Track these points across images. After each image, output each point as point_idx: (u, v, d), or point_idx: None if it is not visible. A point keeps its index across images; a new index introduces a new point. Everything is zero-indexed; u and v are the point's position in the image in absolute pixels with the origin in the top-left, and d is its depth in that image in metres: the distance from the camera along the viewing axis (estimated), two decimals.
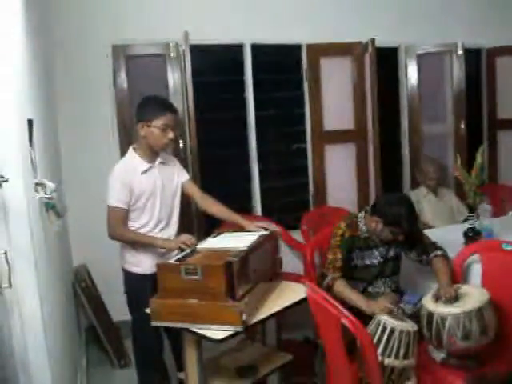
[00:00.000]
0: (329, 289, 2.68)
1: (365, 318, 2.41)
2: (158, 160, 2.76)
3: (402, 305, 2.71)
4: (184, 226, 3.81)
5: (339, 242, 2.76)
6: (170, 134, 2.66)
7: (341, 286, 2.67)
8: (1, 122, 1.70)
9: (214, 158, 4.24)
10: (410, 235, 2.76)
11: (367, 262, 2.82)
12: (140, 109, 2.73)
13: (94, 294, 3.83)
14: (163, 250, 2.67)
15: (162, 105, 2.71)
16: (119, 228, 2.63)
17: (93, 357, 3.80)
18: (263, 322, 2.42)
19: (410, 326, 2.34)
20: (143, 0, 4.09)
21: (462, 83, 4.85)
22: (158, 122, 2.64)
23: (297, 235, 4.26)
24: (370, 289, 2.83)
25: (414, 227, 2.73)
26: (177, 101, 4.11)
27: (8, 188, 1.67)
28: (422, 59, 4.85)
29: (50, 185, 2.12)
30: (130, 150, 2.76)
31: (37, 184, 2.09)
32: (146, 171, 2.70)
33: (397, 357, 2.26)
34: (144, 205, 2.69)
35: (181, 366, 2.57)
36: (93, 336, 3.90)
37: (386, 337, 2.28)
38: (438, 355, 2.51)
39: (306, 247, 3.51)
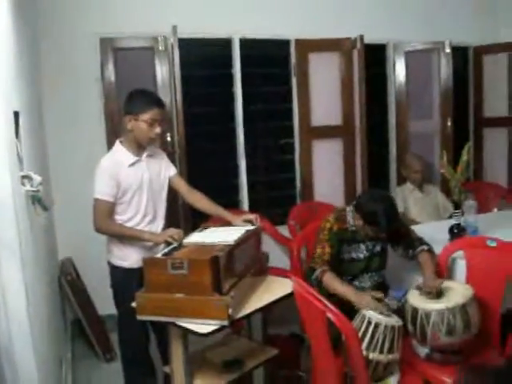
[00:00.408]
0: (318, 282, 2.69)
1: (350, 312, 2.43)
2: (146, 153, 2.75)
3: (387, 300, 2.72)
4: (171, 220, 3.79)
5: (327, 236, 2.77)
6: (157, 129, 2.65)
7: (330, 278, 2.67)
8: None
9: (202, 151, 4.23)
10: (391, 232, 2.78)
11: (353, 255, 2.84)
12: (128, 102, 2.70)
13: (79, 288, 3.82)
14: (150, 244, 2.66)
15: (150, 99, 2.69)
16: (105, 221, 2.61)
17: (78, 350, 3.79)
18: (249, 316, 2.42)
19: (394, 320, 2.36)
20: None
21: (449, 81, 4.89)
22: (146, 116, 2.62)
23: (284, 230, 4.26)
24: (355, 283, 2.85)
25: (392, 225, 2.71)
26: (165, 94, 4.10)
27: None
28: (409, 56, 4.88)
29: (36, 177, 2.11)
30: (117, 143, 2.75)
31: (23, 177, 2.08)
32: (132, 164, 2.69)
33: (381, 351, 2.28)
34: (131, 198, 2.68)
35: (166, 360, 2.57)
36: (78, 329, 3.89)
37: (370, 331, 2.30)
38: (422, 350, 2.52)
39: (292, 242, 3.52)
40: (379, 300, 2.53)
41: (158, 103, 2.69)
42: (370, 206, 2.68)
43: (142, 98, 2.70)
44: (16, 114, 2.10)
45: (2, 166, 1.72)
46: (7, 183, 1.75)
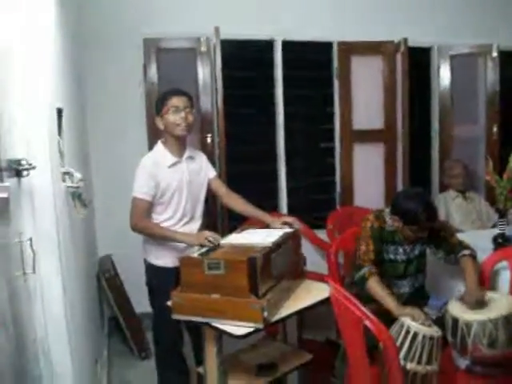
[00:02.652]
0: (363, 281, 2.62)
1: (387, 320, 2.37)
2: (186, 154, 2.76)
3: (426, 309, 2.66)
4: (208, 222, 3.81)
5: (369, 232, 2.70)
6: (182, 114, 2.66)
7: (375, 283, 2.59)
8: (31, 110, 1.72)
9: (241, 154, 4.24)
10: (435, 233, 2.70)
11: (392, 256, 2.76)
12: (155, 105, 2.78)
13: (117, 285, 3.86)
14: (185, 245, 2.65)
15: (168, 92, 2.74)
16: (141, 220, 2.63)
17: (114, 347, 3.83)
18: (284, 320, 2.40)
19: (434, 330, 2.29)
20: None
21: (495, 85, 4.75)
22: (167, 108, 2.66)
23: (322, 234, 4.22)
24: (394, 289, 2.77)
25: (432, 221, 2.64)
26: (206, 95, 4.12)
27: (35, 176, 1.69)
28: (455, 60, 4.76)
29: (77, 174, 2.14)
30: (159, 143, 2.77)
31: (64, 173, 2.11)
32: (172, 165, 2.70)
33: (419, 362, 2.21)
34: (170, 199, 2.69)
35: (200, 360, 2.56)
36: (115, 327, 3.93)
37: (409, 341, 2.24)
38: (463, 362, 2.45)
39: (330, 247, 3.48)
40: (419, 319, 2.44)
41: (175, 92, 2.72)
42: (407, 205, 2.61)
43: (162, 95, 2.77)
44: (59, 111, 2.13)
45: (43, 161, 1.74)
46: (48, 178, 1.77)
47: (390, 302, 2.52)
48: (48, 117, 1.84)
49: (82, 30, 3.84)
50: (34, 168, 1.62)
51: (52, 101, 1.97)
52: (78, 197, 2.19)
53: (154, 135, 3.85)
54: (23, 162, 1.58)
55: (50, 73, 2.00)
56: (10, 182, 1.46)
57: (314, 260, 3.92)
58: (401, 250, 2.76)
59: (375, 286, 2.60)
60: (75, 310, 2.15)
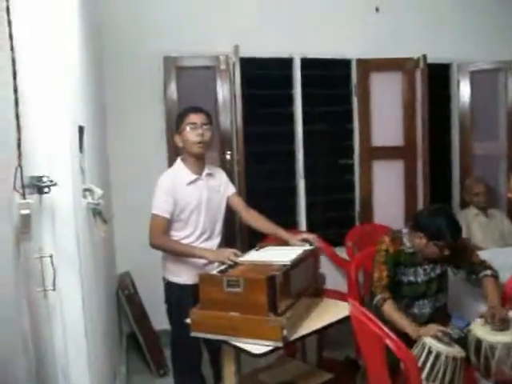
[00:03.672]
0: (377, 309, 2.60)
1: (409, 340, 2.33)
2: (205, 172, 2.77)
3: (449, 329, 2.60)
4: (227, 239, 3.80)
5: (384, 258, 2.67)
6: (199, 131, 2.68)
7: (390, 309, 2.56)
8: (53, 127, 1.74)
9: (261, 171, 4.24)
10: (456, 252, 2.66)
11: (411, 278, 2.72)
12: (175, 123, 2.82)
13: (136, 302, 3.86)
14: (204, 261, 2.65)
15: (187, 109, 2.78)
16: (160, 237, 2.63)
17: (133, 364, 3.82)
18: (304, 338, 2.37)
19: (456, 351, 2.25)
20: (195, 13, 4.14)
21: None
22: (185, 125, 2.69)
23: (341, 252, 4.19)
24: (415, 309, 2.74)
25: (457, 237, 2.61)
26: (225, 113, 4.15)
27: (57, 192, 1.69)
28: (475, 76, 4.73)
29: (98, 191, 2.15)
30: (178, 160, 2.79)
31: (85, 189, 2.12)
32: (192, 182, 2.71)
33: (442, 382, 2.17)
34: (189, 216, 2.70)
35: (218, 378, 2.54)
36: (134, 343, 3.92)
37: (431, 361, 2.19)
38: None
39: (350, 264, 3.45)
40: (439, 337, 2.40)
41: (193, 109, 2.74)
42: (433, 221, 2.59)
43: (181, 112, 2.82)
44: (81, 129, 2.16)
45: (65, 177, 1.75)
46: (69, 195, 1.78)
47: (405, 325, 2.48)
48: (70, 134, 1.86)
49: (103, 48, 3.90)
50: (55, 185, 1.63)
51: (74, 118, 1.99)
52: (99, 213, 2.20)
53: (174, 153, 3.87)
54: (44, 179, 1.59)
55: (73, 91, 2.02)
56: (31, 199, 1.47)
57: (333, 278, 3.89)
58: (421, 270, 2.73)
59: (389, 311, 2.57)
60: (94, 327, 2.15)
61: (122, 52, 4.00)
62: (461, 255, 2.73)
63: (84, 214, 2.06)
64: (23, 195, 1.36)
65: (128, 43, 4.01)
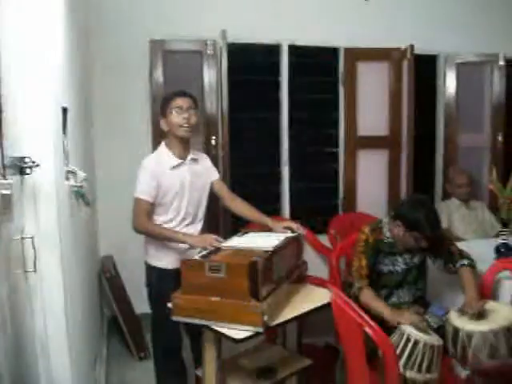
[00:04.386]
0: (356, 298, 2.63)
1: (388, 328, 2.36)
2: (190, 156, 2.76)
3: (427, 317, 2.64)
4: (210, 224, 3.80)
5: (363, 248, 2.70)
6: (185, 114, 2.66)
7: (367, 296, 2.61)
8: (36, 108, 1.72)
9: (245, 157, 4.23)
10: (433, 241, 2.68)
11: (390, 268, 2.76)
12: (160, 107, 2.78)
13: (118, 285, 3.86)
14: (186, 246, 2.65)
15: (172, 93, 2.74)
16: (143, 221, 2.62)
17: (114, 347, 3.82)
18: (286, 323, 2.39)
19: (434, 339, 2.28)
20: None
21: (501, 95, 4.75)
22: (170, 109, 2.66)
23: (324, 239, 4.21)
24: (394, 298, 2.77)
25: (435, 231, 2.63)
26: (211, 98, 4.13)
27: (39, 174, 1.69)
28: (461, 68, 4.76)
29: (81, 173, 2.14)
30: (162, 144, 2.77)
31: (68, 172, 2.11)
32: (175, 167, 2.70)
33: (419, 370, 2.20)
34: (171, 200, 2.69)
35: (199, 363, 2.56)
36: (115, 327, 3.93)
37: (409, 349, 2.22)
38: (463, 372, 2.43)
39: (332, 252, 3.47)
40: (417, 324, 2.43)
41: (179, 93, 2.71)
42: (412, 212, 2.62)
43: (166, 96, 2.78)
44: (64, 110, 2.14)
45: (47, 159, 1.74)
46: (51, 177, 1.77)
47: (384, 310, 2.52)
48: (53, 115, 1.85)
49: (88, 31, 3.85)
50: (37, 166, 1.62)
51: (57, 100, 1.97)
52: (82, 196, 2.19)
53: (159, 136, 3.85)
54: (27, 160, 1.58)
55: (56, 72, 2.00)
56: (13, 180, 1.46)
57: (315, 265, 3.92)
58: (400, 259, 2.76)
59: (367, 298, 2.61)
60: (75, 309, 2.15)
61: (108, 34, 3.96)
62: (439, 245, 2.76)
63: (66, 196, 2.05)
64: (3, 176, 1.35)
65: (115, 26, 3.97)
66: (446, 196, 4.55)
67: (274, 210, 4.30)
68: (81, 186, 2.12)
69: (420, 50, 4.41)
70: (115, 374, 3.46)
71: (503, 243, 3.09)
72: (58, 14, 2.21)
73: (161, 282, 2.69)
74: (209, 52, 4.11)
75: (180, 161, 2.71)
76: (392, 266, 2.77)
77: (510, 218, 3.16)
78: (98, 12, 3.93)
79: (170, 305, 2.33)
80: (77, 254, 2.33)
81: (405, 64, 4.46)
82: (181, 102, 2.67)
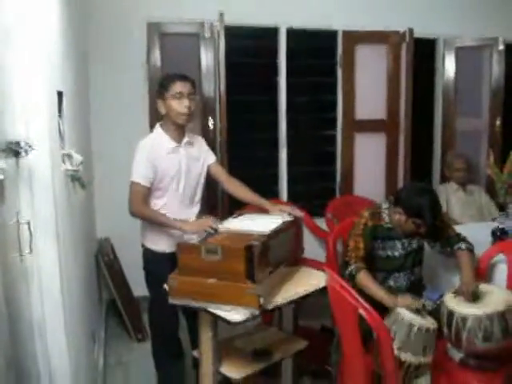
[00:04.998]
0: (351, 278, 2.64)
1: (383, 310, 2.38)
2: (185, 140, 2.75)
3: (422, 300, 2.66)
4: (209, 206, 3.83)
5: (362, 231, 2.71)
6: (186, 102, 2.62)
7: (364, 278, 2.61)
8: (30, 93, 1.71)
9: (243, 140, 4.23)
10: (433, 227, 2.69)
11: (389, 252, 2.77)
12: (157, 88, 2.74)
13: (115, 268, 3.88)
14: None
15: (171, 76, 2.69)
16: (140, 205, 2.61)
17: (112, 329, 3.86)
18: (283, 306, 2.41)
19: (429, 322, 2.30)
20: None
21: (500, 79, 4.74)
22: (171, 93, 2.62)
23: (321, 223, 4.23)
24: (390, 282, 2.79)
25: (436, 219, 2.65)
26: (209, 81, 4.12)
27: (35, 157, 1.68)
28: (460, 52, 4.74)
29: (77, 157, 2.14)
30: (157, 126, 2.75)
31: (64, 155, 2.11)
32: (171, 151, 2.69)
33: (414, 353, 2.22)
34: (168, 184, 2.68)
35: (196, 344, 2.58)
36: (113, 309, 3.96)
37: (404, 332, 2.24)
38: (457, 354, 2.46)
39: (329, 235, 3.48)
40: (413, 309, 2.45)
41: (181, 77, 2.67)
42: (414, 199, 2.62)
43: (166, 78, 2.73)
44: (60, 94, 2.13)
45: (43, 143, 1.74)
46: (47, 160, 1.77)
47: (380, 293, 2.54)
48: (48, 99, 1.84)
49: (85, 13, 3.82)
50: (32, 149, 1.62)
51: (52, 83, 1.97)
52: (78, 179, 2.19)
53: (156, 119, 3.84)
54: (22, 144, 1.58)
55: (51, 56, 1.99)
56: (7, 163, 1.46)
57: (312, 248, 3.95)
58: (399, 244, 2.77)
59: (364, 280, 2.61)
60: (72, 291, 2.16)
61: (105, 17, 3.95)
62: (437, 229, 2.77)
63: (62, 179, 2.05)
64: None
65: (112, 8, 3.95)
66: (444, 180, 4.55)
67: (271, 193, 4.32)
68: (77, 170, 2.12)
69: (419, 33, 4.39)
70: (113, 356, 3.50)
71: (499, 227, 3.10)
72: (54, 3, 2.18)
73: (158, 266, 2.69)
74: (206, 35, 4.09)
75: (176, 144, 2.70)
76: (390, 251, 2.77)
77: (507, 203, 3.18)
78: None
79: (166, 286, 2.34)
80: (73, 237, 2.33)
81: (403, 47, 4.45)
82: (182, 87, 2.63)
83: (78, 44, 3.26)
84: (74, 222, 2.37)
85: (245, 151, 4.24)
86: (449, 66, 4.75)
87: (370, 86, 4.52)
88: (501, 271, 2.78)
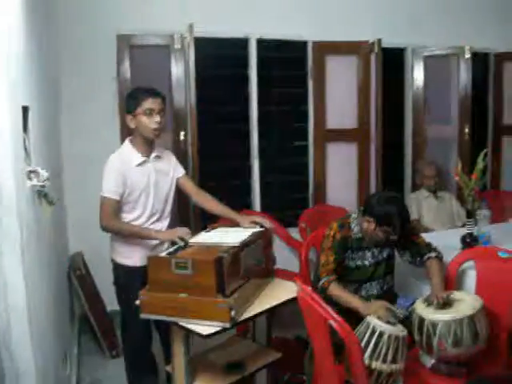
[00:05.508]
0: (323, 291, 2.66)
1: (355, 320, 2.40)
2: (154, 154, 2.74)
3: (394, 308, 2.68)
4: (181, 220, 3.81)
5: (331, 244, 2.74)
6: (156, 118, 2.62)
7: (335, 289, 2.65)
8: None
9: (215, 151, 4.22)
10: (402, 235, 2.73)
11: (359, 263, 2.80)
12: (126, 102, 2.72)
13: (88, 282, 3.83)
14: (154, 243, 2.65)
15: (142, 92, 2.67)
16: (111, 219, 2.60)
17: (85, 345, 3.80)
18: (253, 319, 2.41)
19: (399, 330, 2.32)
20: None
21: (468, 87, 4.82)
22: (141, 109, 2.61)
23: (295, 233, 4.24)
24: (362, 292, 2.81)
25: (405, 226, 2.70)
26: (179, 93, 4.12)
27: None
28: (428, 61, 4.83)
29: (44, 173, 2.11)
30: (127, 141, 2.75)
31: (30, 171, 2.08)
32: (140, 164, 2.68)
33: (384, 361, 2.24)
34: (137, 198, 2.68)
35: (169, 359, 2.56)
36: (86, 325, 3.90)
37: (374, 340, 2.26)
38: (428, 361, 2.49)
39: (302, 245, 3.49)
40: (388, 307, 2.49)
41: (152, 93, 2.66)
42: (383, 208, 2.65)
43: (136, 93, 2.70)
44: (25, 109, 2.11)
45: (6, 159, 1.72)
46: (11, 177, 1.75)
47: (354, 301, 2.57)
48: (11, 115, 1.81)
49: (53, 26, 3.79)
50: None
51: (14, 99, 1.93)
52: (45, 195, 2.16)
53: (127, 133, 3.82)
54: None
55: (14, 72, 1.96)
56: None
57: (286, 258, 3.94)
58: (368, 254, 2.80)
59: (336, 290, 2.65)
60: (40, 307, 2.13)
61: (74, 30, 3.91)
62: (407, 238, 2.81)
63: (28, 196, 2.02)
64: None
65: (82, 20, 3.93)
66: (415, 187, 4.62)
67: (244, 204, 4.33)
68: (43, 186, 2.10)
69: (388, 43, 4.47)
70: (87, 373, 3.44)
71: (468, 233, 3.15)
72: (15, 9, 2.16)
73: (129, 280, 2.68)
74: (176, 46, 4.08)
75: (144, 158, 2.70)
76: (361, 260, 2.80)
77: (475, 209, 3.22)
78: (63, 7, 3.87)
79: (137, 302, 2.33)
80: (40, 254, 2.30)
81: (373, 57, 4.51)
82: (153, 103, 2.63)
83: (46, 57, 3.22)
84: (41, 238, 2.34)
85: (217, 163, 4.24)
86: (417, 75, 4.83)
87: (340, 96, 4.57)
88: (470, 277, 2.81)
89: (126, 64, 4.03)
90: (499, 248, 2.88)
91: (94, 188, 2.78)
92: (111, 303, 3.65)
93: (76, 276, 3.74)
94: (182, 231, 2.55)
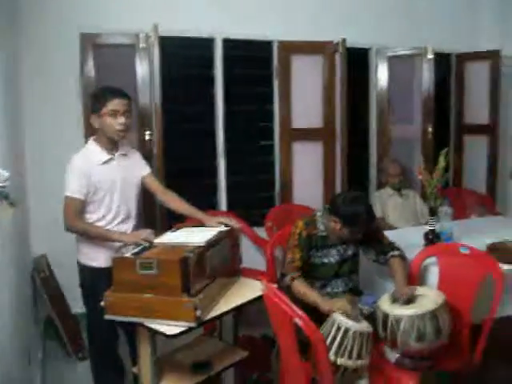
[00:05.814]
0: (288, 288, 2.68)
1: (321, 317, 2.42)
2: (119, 152, 2.72)
3: (359, 305, 2.72)
4: (147, 220, 3.78)
5: (297, 241, 2.76)
6: (121, 119, 2.60)
7: (299, 285, 2.67)
8: None
9: (180, 151, 4.21)
10: (367, 234, 2.78)
11: (324, 260, 2.82)
12: (91, 101, 2.70)
13: (52, 285, 3.77)
14: (119, 244, 2.62)
15: (108, 92, 2.64)
16: (75, 219, 2.57)
17: (50, 349, 3.74)
18: (219, 318, 2.41)
19: (364, 326, 2.35)
20: None
21: (430, 87, 4.90)
22: (107, 109, 2.58)
23: (261, 231, 4.25)
24: (328, 289, 2.84)
25: (371, 226, 2.76)
26: (144, 92, 4.09)
27: None
28: (392, 61, 4.90)
29: (4, 173, 2.07)
30: (90, 140, 2.72)
31: None
32: (105, 163, 2.65)
33: (350, 357, 2.26)
34: (102, 197, 2.65)
35: (136, 361, 2.54)
36: (51, 328, 3.84)
37: (339, 337, 2.28)
38: (393, 356, 2.53)
39: (268, 243, 3.51)
40: (353, 303, 2.52)
41: (117, 94, 2.63)
42: (349, 207, 2.68)
43: (101, 93, 2.68)
44: None
45: None
46: None
47: (315, 297, 2.59)
48: None
49: (15, 24, 3.72)
50: None
51: None
52: (5, 197, 2.12)
53: (91, 132, 3.77)
54: None
55: None
56: None
57: (253, 257, 3.96)
58: (334, 251, 2.83)
59: (299, 286, 2.67)
60: (1, 311, 2.09)
61: (37, 27, 3.85)
62: (371, 237, 2.86)
63: None
64: None
65: (43, 18, 3.87)
66: (380, 186, 4.68)
67: (211, 204, 4.32)
68: (4, 187, 2.06)
69: (352, 43, 4.50)
70: (53, 376, 3.39)
71: (431, 230, 3.21)
72: None
73: (94, 282, 2.64)
74: (141, 46, 4.05)
75: (109, 156, 2.67)
76: (326, 258, 2.83)
77: (437, 207, 3.28)
78: (25, 6, 3.80)
79: (102, 303, 2.30)
80: (1, 257, 2.26)
81: (338, 57, 4.54)
82: (118, 105, 2.60)
83: (7, 56, 3.16)
84: (1, 240, 2.30)
85: (182, 162, 4.23)
86: (381, 75, 4.89)
87: (306, 96, 4.60)
88: (433, 273, 2.87)
89: (90, 63, 3.98)
90: (460, 244, 2.95)
91: (57, 189, 2.74)
92: (76, 305, 3.61)
93: (40, 278, 3.68)
94: (146, 233, 2.53)
